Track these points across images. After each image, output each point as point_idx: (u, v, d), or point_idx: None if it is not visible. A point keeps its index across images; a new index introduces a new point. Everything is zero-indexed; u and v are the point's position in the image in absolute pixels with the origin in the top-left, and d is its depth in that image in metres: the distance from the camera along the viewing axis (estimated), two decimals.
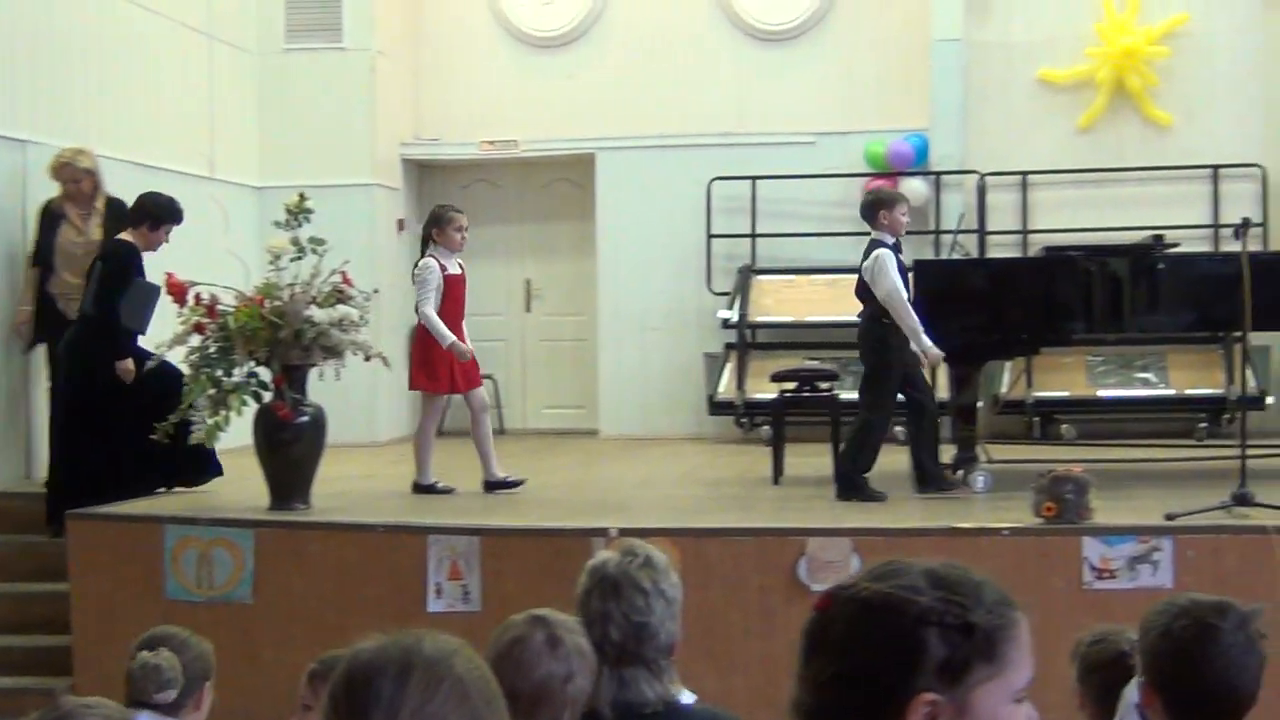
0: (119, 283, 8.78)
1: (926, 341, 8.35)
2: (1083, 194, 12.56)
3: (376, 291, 9.10)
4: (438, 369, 8.99)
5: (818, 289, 12.52)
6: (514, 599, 7.23)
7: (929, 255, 12.19)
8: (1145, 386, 11.97)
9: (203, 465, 8.97)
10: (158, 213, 9.10)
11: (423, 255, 9.14)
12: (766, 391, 10.47)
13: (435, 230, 9.12)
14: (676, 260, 13.10)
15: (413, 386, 9.40)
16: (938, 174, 12.68)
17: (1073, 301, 8.82)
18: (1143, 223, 11.54)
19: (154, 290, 8.82)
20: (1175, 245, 9.29)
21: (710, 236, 12.89)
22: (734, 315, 12.46)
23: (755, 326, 12.55)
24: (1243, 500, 7.35)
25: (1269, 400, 11.70)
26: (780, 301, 12.58)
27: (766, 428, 11.10)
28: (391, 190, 13.35)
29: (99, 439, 8.65)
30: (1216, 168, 12.38)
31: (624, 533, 6.89)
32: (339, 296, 8.16)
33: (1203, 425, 11.69)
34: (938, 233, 12.57)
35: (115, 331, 8.74)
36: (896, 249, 8.63)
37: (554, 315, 13.97)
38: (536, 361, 13.99)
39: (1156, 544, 7.00)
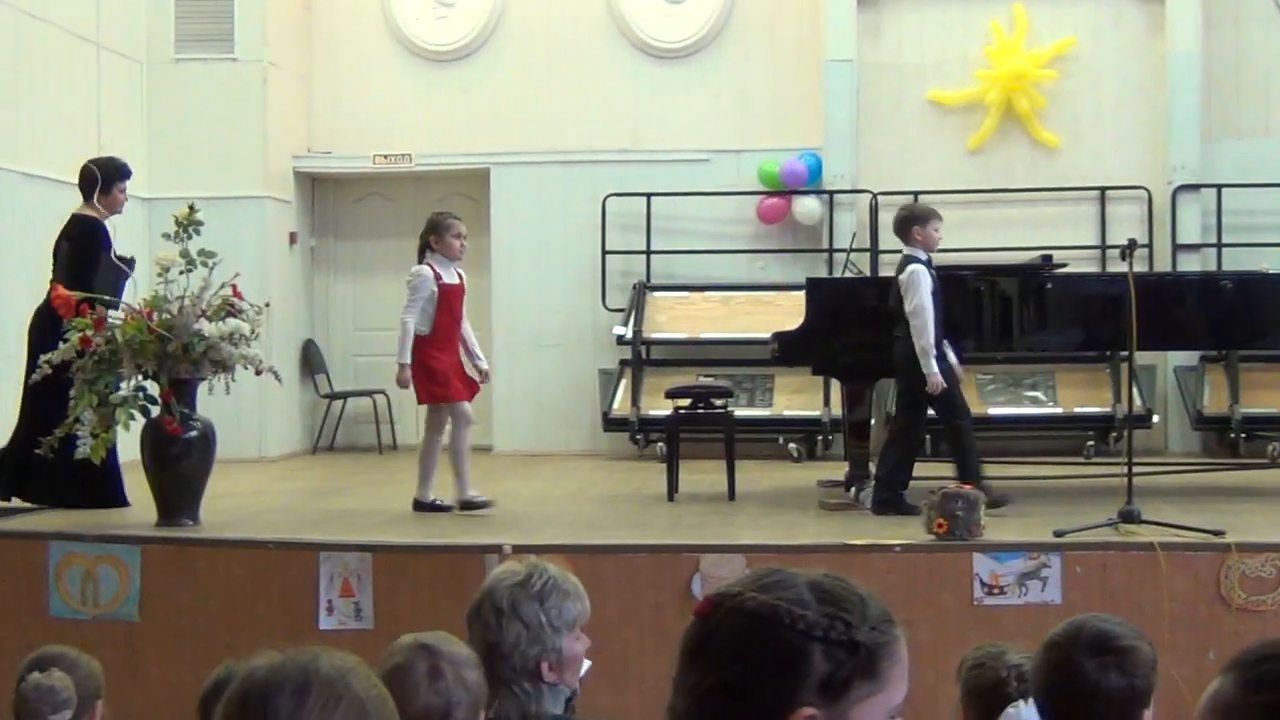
0: (87, 257, 8.66)
1: (931, 365, 8.30)
2: (973, 214, 12.72)
3: (268, 305, 8.99)
4: (446, 377, 8.74)
5: (712, 306, 12.57)
6: (407, 616, 7.17)
7: (822, 274, 12.28)
8: (1034, 405, 12.14)
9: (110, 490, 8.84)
10: (104, 175, 8.98)
11: (419, 262, 8.89)
12: (661, 408, 10.48)
13: (433, 237, 8.88)
14: (571, 276, 13.09)
15: (423, 401, 8.99)
16: (830, 193, 12.78)
17: (963, 320, 8.91)
18: (1031, 243, 11.69)
19: (126, 263, 8.73)
20: (1063, 265, 9.42)
21: (605, 253, 12.90)
22: (629, 332, 12.47)
23: (650, 343, 12.56)
24: (1129, 517, 7.47)
25: (1155, 419, 11.92)
26: (675, 318, 12.61)
27: (661, 444, 11.11)
28: (283, 203, 13.22)
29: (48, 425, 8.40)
30: (1103, 189, 12.60)
31: (517, 549, 6.87)
32: (229, 310, 8.05)
33: (1090, 443, 11.87)
34: (830, 251, 12.67)
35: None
36: (928, 264, 8.55)
37: None
38: None
39: (1045, 560, 7.09)
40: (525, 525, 8.34)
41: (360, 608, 7.29)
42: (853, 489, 8.86)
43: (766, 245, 13.01)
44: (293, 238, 13.31)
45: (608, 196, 12.83)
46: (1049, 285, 8.95)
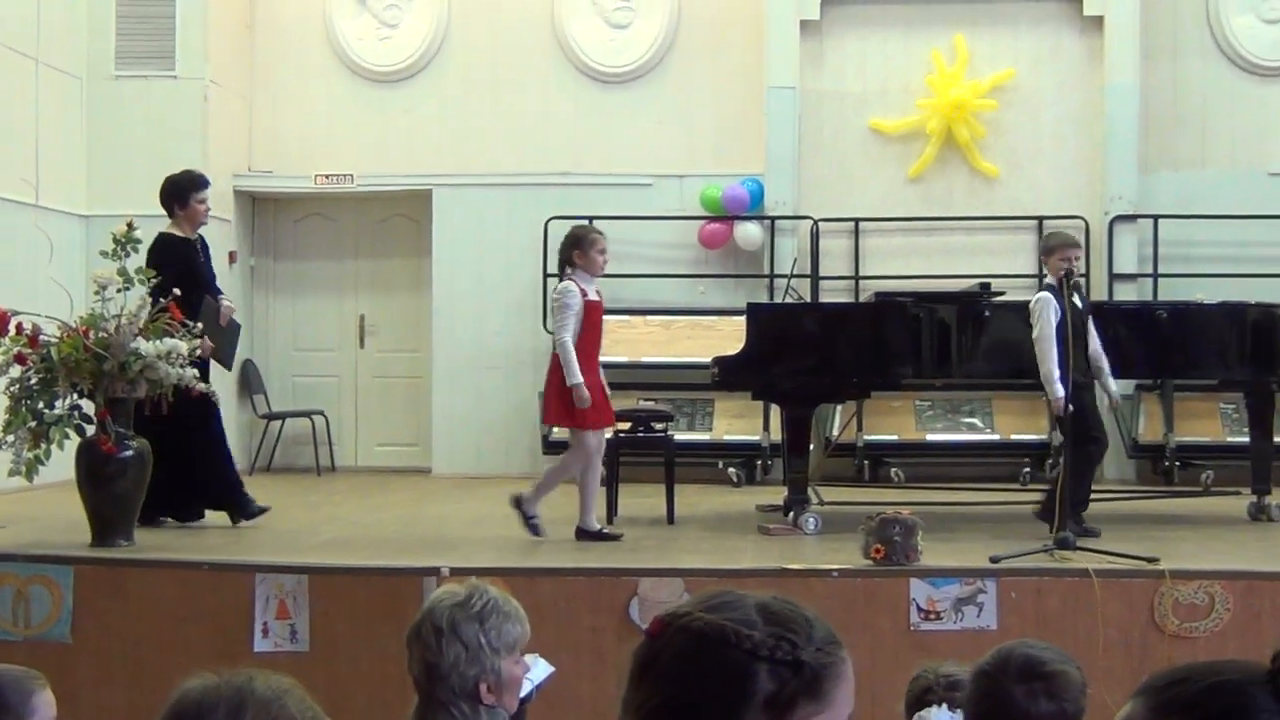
0: (170, 274, 8.56)
1: (1057, 389, 8.34)
2: (913, 241, 12.82)
3: None
4: (595, 399, 8.37)
5: (653, 330, 12.59)
6: (343, 639, 7.14)
7: (763, 299, 12.34)
8: (972, 431, 12.23)
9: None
10: (179, 189, 9.02)
11: (561, 279, 8.57)
12: None
13: (576, 252, 8.44)
14: (513, 298, 13.09)
15: (555, 422, 8.77)
16: (772, 219, 12.84)
17: (902, 347, 8.96)
18: (970, 271, 11.83)
19: (237, 329, 8.90)
20: (1001, 294, 9.50)
21: (547, 275, 12.87)
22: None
23: None
24: (1064, 544, 7.53)
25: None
26: (615, 341, 12.57)
27: (601, 468, 11.08)
28: (223, 222, 13.12)
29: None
30: (1041, 219, 12.72)
31: (455, 572, 6.84)
32: (167, 329, 8.00)
33: (1027, 470, 11.96)
34: (772, 277, 12.72)
35: None
36: (1056, 291, 8.50)
37: (388, 352, 13.85)
38: (369, 398, 13.85)
39: (981, 586, 7.13)
40: (463, 548, 8.31)
41: (296, 630, 7.23)
42: (791, 513, 8.88)
43: (708, 270, 13.05)
44: (232, 257, 13.22)
45: (550, 219, 12.82)
46: (987, 313, 9.02)
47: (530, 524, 8.46)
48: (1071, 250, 8.81)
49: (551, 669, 3.92)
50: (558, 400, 8.37)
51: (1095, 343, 8.76)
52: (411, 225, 13.73)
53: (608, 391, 8.57)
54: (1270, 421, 9.69)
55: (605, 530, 8.56)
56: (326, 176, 13.41)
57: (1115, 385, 8.91)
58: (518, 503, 8.47)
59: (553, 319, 8.53)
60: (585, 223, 9.17)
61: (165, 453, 8.35)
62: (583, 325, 8.33)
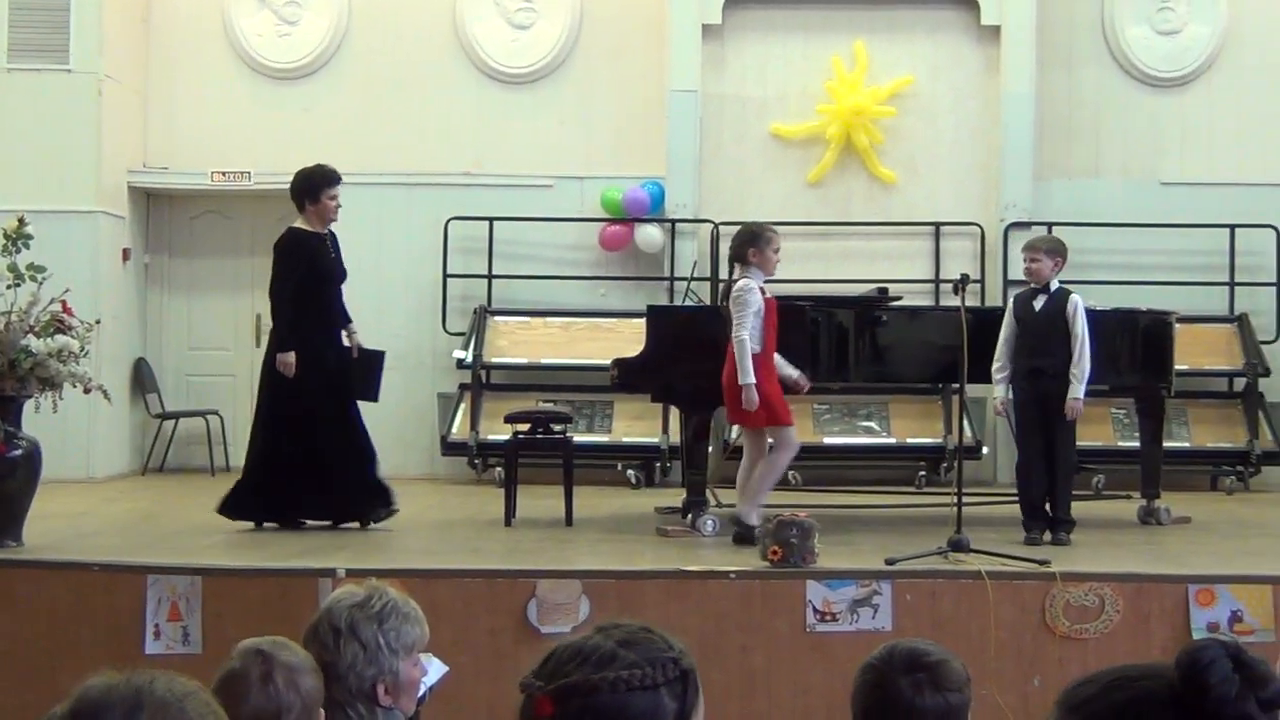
0: (283, 272, 8.78)
1: (1081, 389, 8.51)
2: (812, 246, 12.90)
3: (98, 322, 8.82)
4: (777, 398, 8.32)
5: (553, 331, 12.58)
6: (236, 641, 7.04)
7: (663, 301, 12.36)
8: (869, 435, 12.33)
9: (382, 498, 8.94)
10: (310, 184, 9.02)
11: (732, 276, 8.52)
12: (500, 433, 10.46)
13: (751, 250, 8.40)
14: (412, 299, 13.01)
15: (739, 421, 8.59)
16: (673, 221, 12.87)
17: (800, 350, 9.01)
18: (868, 276, 11.91)
19: (376, 357, 8.97)
20: (898, 299, 9.59)
21: (446, 276, 12.85)
22: (469, 356, 12.42)
23: (490, 367, 12.53)
24: (958, 546, 7.62)
25: (984, 450, 12.18)
26: (515, 343, 12.59)
27: (499, 469, 11.08)
28: (117, 219, 12.95)
29: (279, 447, 8.69)
30: (938, 225, 12.86)
31: (351, 573, 6.79)
32: (58, 326, 7.87)
33: (922, 473, 12.08)
34: (672, 279, 12.76)
35: (278, 323, 8.79)
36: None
37: None
38: None
39: (876, 588, 7.19)
40: (360, 549, 8.25)
41: (188, 632, 7.14)
42: (690, 516, 8.90)
43: (608, 272, 13.05)
44: (126, 254, 13.04)
45: (450, 220, 12.78)
46: (884, 318, 9.10)
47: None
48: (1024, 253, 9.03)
49: (446, 669, 3.90)
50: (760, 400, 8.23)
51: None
52: None
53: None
54: (1160, 427, 9.87)
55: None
56: (223, 174, 13.25)
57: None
58: (742, 537, 8.11)
59: (733, 316, 8.29)
60: (760, 222, 9.12)
61: (303, 450, 8.56)
62: (765, 324, 8.30)
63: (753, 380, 8.12)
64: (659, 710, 1.89)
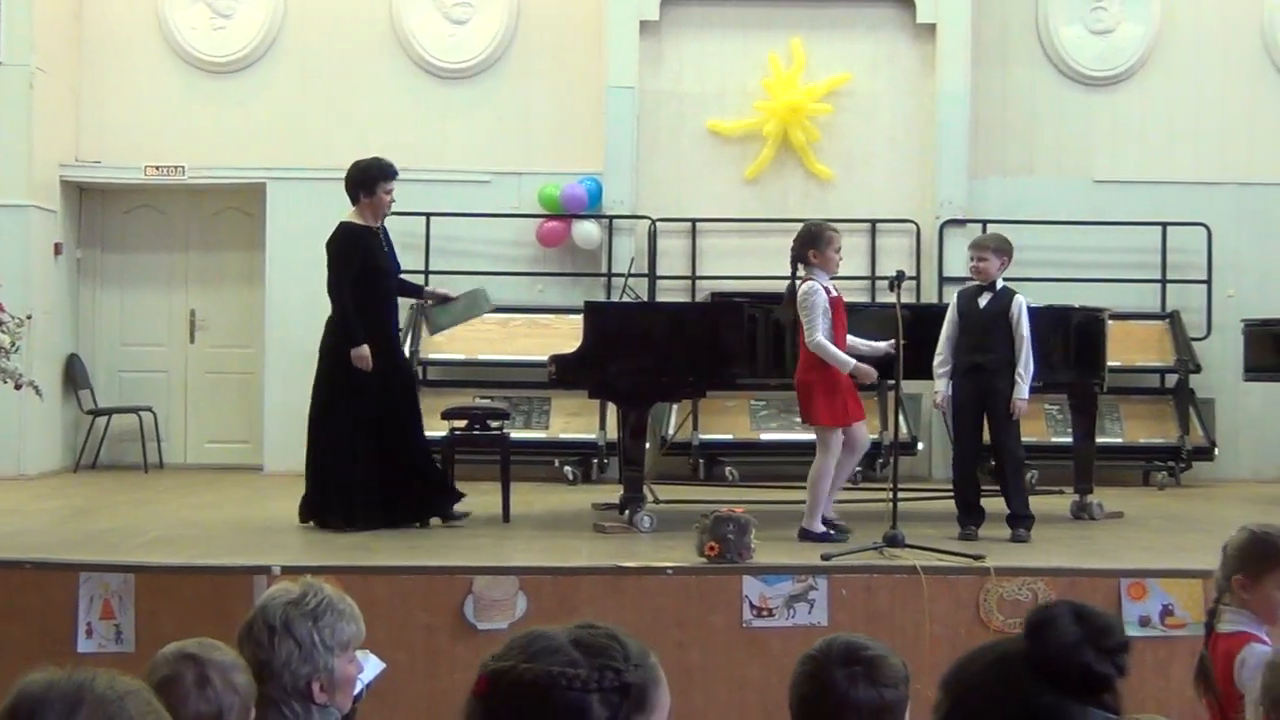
0: (339, 268, 8.66)
1: (1026, 389, 8.60)
2: (749, 242, 12.94)
3: (29, 317, 8.73)
4: (844, 400, 8.36)
5: (490, 328, 12.51)
6: (170, 639, 6.96)
7: (600, 298, 12.36)
8: (805, 431, 12.29)
9: (449, 494, 8.90)
10: (366, 177, 8.87)
11: (794, 277, 8.54)
12: (437, 429, 10.40)
13: (812, 251, 8.46)
14: None
15: (813, 421, 8.55)
16: (610, 218, 12.87)
17: (738, 346, 9.04)
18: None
19: (478, 300, 9.00)
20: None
21: None
22: (405, 352, 12.35)
23: (427, 364, 12.48)
24: (893, 541, 7.67)
25: (920, 446, 12.26)
26: (452, 339, 12.51)
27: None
28: (48, 213, 12.81)
29: (341, 450, 8.60)
30: (874, 222, 12.92)
31: (286, 570, 6.75)
32: None
33: (858, 469, 12.10)
34: (609, 276, 12.75)
35: (344, 319, 8.67)
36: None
37: (219, 347, 13.61)
38: (200, 394, 13.60)
39: (812, 583, 7.22)
40: (295, 545, 8.21)
41: (121, 630, 7.08)
42: (627, 512, 8.91)
43: (545, 268, 13.03)
44: (58, 248, 12.90)
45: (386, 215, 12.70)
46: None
47: (838, 531, 8.33)
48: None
49: (383, 665, 3.89)
50: (824, 399, 8.33)
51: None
52: (245, 219, 13.51)
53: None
54: (1093, 423, 9.97)
55: (830, 529, 8.46)
56: (157, 168, 13.13)
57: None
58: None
59: (803, 320, 8.35)
60: (820, 220, 9.16)
61: (375, 451, 8.58)
62: (832, 323, 8.35)
63: (854, 363, 8.29)
64: (583, 715, 1.90)
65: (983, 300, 8.76)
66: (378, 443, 8.68)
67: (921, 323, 8.89)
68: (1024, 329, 8.59)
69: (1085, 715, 1.94)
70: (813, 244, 8.52)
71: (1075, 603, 1.96)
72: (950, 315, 8.85)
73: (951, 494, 9.05)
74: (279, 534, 8.76)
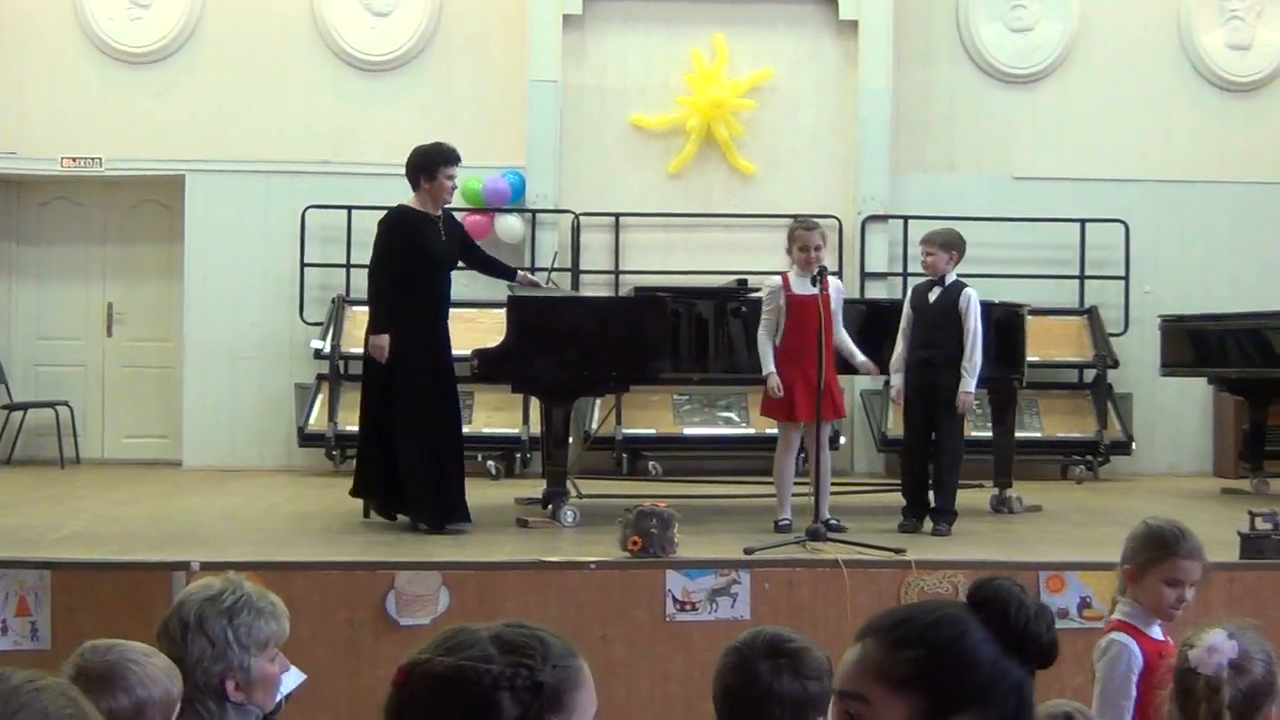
0: (385, 252, 8.49)
1: (972, 383, 8.69)
2: (672, 237, 12.96)
3: None
4: (788, 393, 8.53)
5: None
6: (88, 636, 6.88)
7: (523, 292, 12.29)
8: (728, 425, 12.41)
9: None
10: (427, 161, 8.67)
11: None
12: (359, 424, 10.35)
13: (787, 247, 8.83)
14: (269, 288, 12.84)
15: (762, 413, 9.09)
16: (533, 212, 12.85)
17: (661, 341, 9.04)
18: (728, 267, 11.99)
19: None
20: (757, 290, 9.65)
21: (304, 265, 12.69)
22: (326, 346, 12.29)
23: (348, 358, 12.39)
24: (815, 535, 7.71)
25: (842, 440, 12.31)
26: None
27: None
28: None
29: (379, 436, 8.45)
30: (796, 217, 12.92)
31: (206, 566, 6.69)
32: None
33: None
34: (533, 270, 12.68)
35: (374, 302, 8.56)
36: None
37: (137, 341, 13.46)
38: (117, 388, 13.44)
39: (735, 577, 7.24)
40: (216, 542, 8.13)
41: (37, 627, 6.99)
42: (550, 506, 8.90)
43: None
44: None
45: (307, 208, 12.63)
46: (744, 309, 9.16)
47: (835, 530, 8.22)
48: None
49: (303, 677, 3.84)
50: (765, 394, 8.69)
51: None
52: (163, 211, 13.37)
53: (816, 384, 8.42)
54: (1012, 417, 10.07)
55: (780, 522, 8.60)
56: (74, 159, 12.96)
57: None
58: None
59: None
60: (803, 217, 9.32)
61: (423, 446, 8.41)
62: (788, 320, 8.54)
63: (769, 369, 8.53)
64: (491, 712, 1.91)
65: (933, 295, 8.83)
66: (432, 440, 8.49)
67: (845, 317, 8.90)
68: (972, 322, 8.67)
69: (1030, 685, 1.97)
70: (789, 240, 8.84)
71: (1013, 579, 2.00)
72: (905, 310, 8.93)
73: (875, 489, 9.11)
74: (199, 529, 8.67)
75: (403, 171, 8.80)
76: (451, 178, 8.84)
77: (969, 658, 1.91)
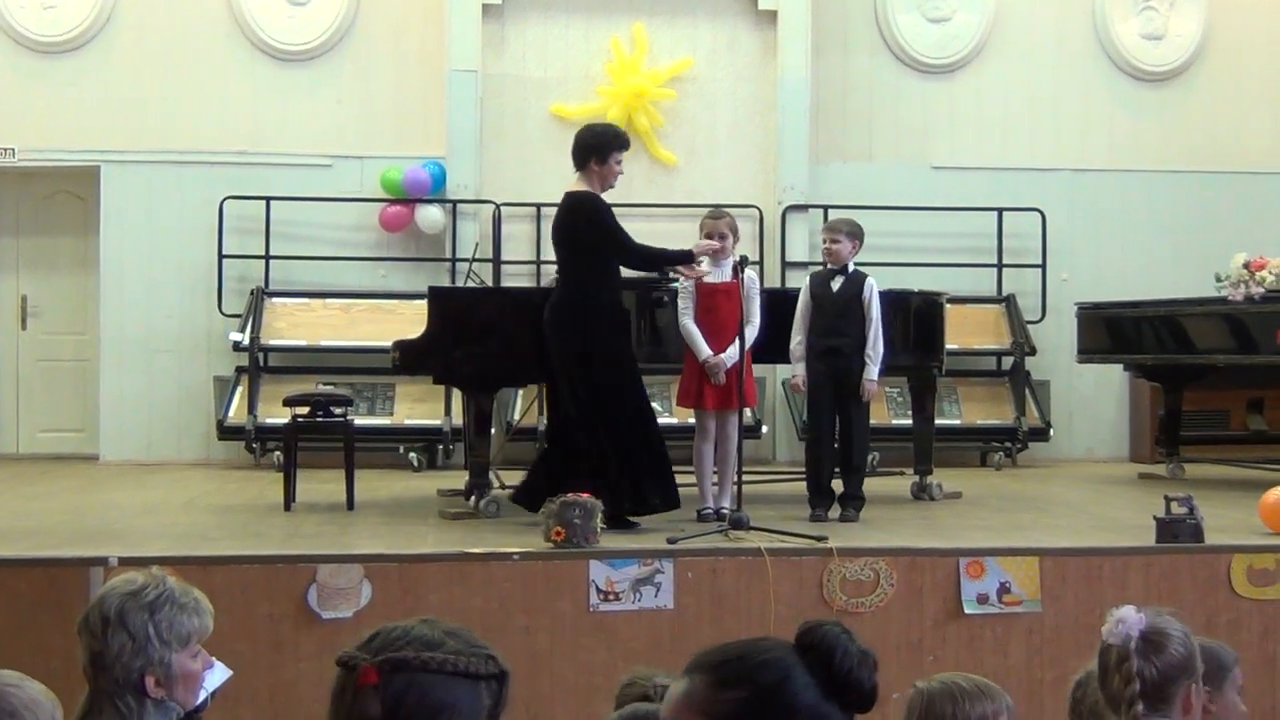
0: (614, 232, 8.33)
1: (876, 371, 8.77)
2: None
3: None
4: (689, 382, 8.75)
5: (333, 313, 12.41)
6: (2, 634, 6.82)
7: (445, 283, 12.27)
8: None
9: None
10: (602, 144, 8.43)
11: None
12: (279, 416, 10.30)
13: (700, 233, 8.91)
14: (186, 280, 12.71)
15: (678, 402, 9.24)
16: (454, 202, 12.80)
17: None
18: None
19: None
20: (676, 281, 9.66)
21: (222, 257, 12.57)
22: (245, 338, 12.19)
23: (268, 350, 12.31)
24: (738, 524, 7.74)
25: (764, 430, 12.38)
26: (294, 325, 12.38)
27: (278, 453, 10.90)
28: None
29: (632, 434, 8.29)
30: (717, 207, 12.94)
31: (124, 561, 6.62)
32: None
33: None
34: (454, 260, 12.68)
35: (655, 256, 8.59)
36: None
37: (52, 334, 13.28)
38: (32, 382, 13.26)
39: (659, 566, 7.26)
40: (134, 536, 8.05)
41: None
42: (473, 498, 8.88)
43: (389, 253, 12.92)
44: None
45: (225, 199, 12.51)
46: (665, 299, 9.17)
47: (736, 522, 7.97)
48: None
49: (229, 673, 3.80)
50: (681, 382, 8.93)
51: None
52: (78, 203, 13.20)
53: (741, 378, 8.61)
54: (932, 405, 10.15)
55: (706, 510, 8.68)
56: None
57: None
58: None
59: None
60: (715, 207, 9.47)
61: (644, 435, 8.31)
62: (698, 307, 8.69)
63: (705, 353, 8.59)
64: (476, 703, 1.94)
65: (835, 284, 8.86)
66: (648, 426, 8.42)
67: (764, 307, 8.92)
68: (875, 312, 8.73)
69: None
70: (699, 231, 8.98)
71: (840, 624, 2.04)
72: (803, 298, 8.94)
73: (796, 477, 9.15)
74: (117, 524, 8.58)
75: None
76: (620, 163, 8.65)
77: (790, 702, 1.94)
